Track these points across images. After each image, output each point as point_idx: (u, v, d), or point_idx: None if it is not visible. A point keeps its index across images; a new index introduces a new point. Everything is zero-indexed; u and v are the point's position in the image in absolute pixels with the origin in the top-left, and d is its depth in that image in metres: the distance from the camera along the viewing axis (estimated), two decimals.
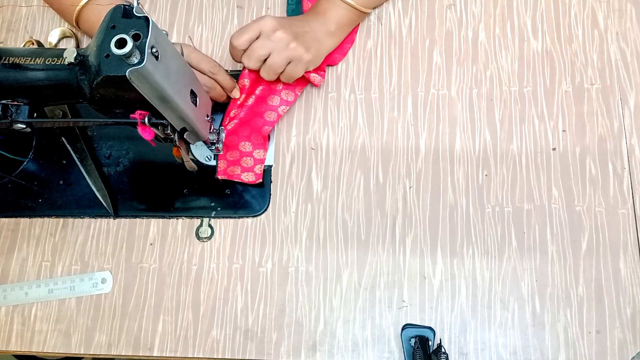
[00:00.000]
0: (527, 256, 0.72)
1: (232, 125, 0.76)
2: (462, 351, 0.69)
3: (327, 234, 0.75)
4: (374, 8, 0.82)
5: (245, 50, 0.73)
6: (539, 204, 0.73)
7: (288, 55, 0.72)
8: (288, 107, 0.78)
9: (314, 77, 0.78)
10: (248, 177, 0.76)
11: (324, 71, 0.80)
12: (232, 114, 0.77)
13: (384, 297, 0.72)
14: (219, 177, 0.76)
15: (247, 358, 0.71)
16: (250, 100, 0.76)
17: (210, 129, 0.72)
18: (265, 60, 0.72)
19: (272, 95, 0.78)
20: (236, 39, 0.72)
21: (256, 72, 0.75)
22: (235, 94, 0.76)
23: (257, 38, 0.72)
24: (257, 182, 0.76)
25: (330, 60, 0.80)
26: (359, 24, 0.82)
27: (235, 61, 0.75)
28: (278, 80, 0.76)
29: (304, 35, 0.74)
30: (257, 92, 0.77)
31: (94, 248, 0.77)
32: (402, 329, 0.69)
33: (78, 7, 0.78)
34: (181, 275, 0.75)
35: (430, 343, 0.68)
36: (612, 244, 0.71)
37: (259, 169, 0.77)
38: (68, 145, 0.81)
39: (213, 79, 0.74)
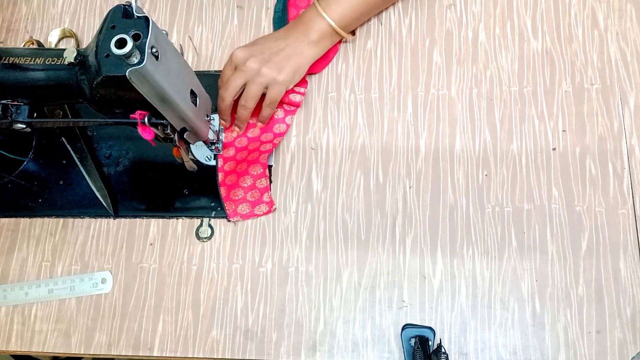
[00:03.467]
0: (527, 256, 0.72)
1: (229, 166, 0.76)
2: (462, 351, 0.69)
3: (327, 234, 0.75)
4: (354, 30, 0.81)
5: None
6: (539, 204, 0.73)
7: (261, 81, 0.73)
8: (282, 137, 0.78)
9: (293, 97, 0.78)
10: (261, 210, 0.75)
11: (306, 83, 0.80)
12: (227, 154, 0.77)
13: (384, 297, 0.72)
14: (232, 219, 0.76)
15: (247, 358, 0.71)
16: (244, 142, 0.78)
17: (210, 129, 0.72)
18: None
19: (265, 133, 0.78)
20: (220, 82, 0.76)
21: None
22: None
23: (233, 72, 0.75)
24: (272, 209, 0.75)
25: (312, 69, 0.79)
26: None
27: (223, 104, 0.76)
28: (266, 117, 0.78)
29: (277, 55, 0.74)
30: (248, 134, 0.78)
31: (94, 248, 0.77)
32: (402, 329, 0.69)
33: None
34: (181, 275, 0.75)
35: (430, 343, 0.68)
36: (612, 244, 0.71)
37: (267, 197, 0.76)
38: (68, 145, 0.81)
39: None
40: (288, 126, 0.78)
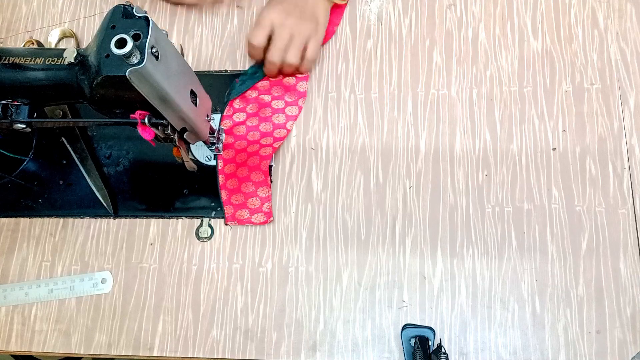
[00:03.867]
0: (527, 256, 0.72)
1: (229, 168, 0.76)
2: (462, 351, 0.69)
3: (327, 234, 0.75)
4: None
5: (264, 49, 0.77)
6: (539, 204, 0.73)
7: (302, 39, 0.76)
8: (281, 142, 0.78)
9: (301, 85, 0.80)
10: (258, 219, 0.75)
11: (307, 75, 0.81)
12: (227, 155, 0.78)
13: (384, 297, 0.72)
14: (229, 224, 0.76)
15: (247, 358, 0.71)
16: (244, 145, 0.78)
17: (210, 129, 0.72)
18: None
19: (265, 137, 0.78)
20: (254, 38, 0.76)
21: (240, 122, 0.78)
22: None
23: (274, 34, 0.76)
24: (269, 221, 0.75)
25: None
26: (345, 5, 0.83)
27: (255, 59, 0.79)
28: (267, 119, 0.79)
29: (307, 10, 0.77)
30: (249, 137, 0.78)
31: (94, 248, 0.77)
32: (402, 329, 0.69)
33: None
34: (181, 275, 0.75)
35: (430, 343, 0.68)
36: (612, 244, 0.71)
37: (267, 207, 0.75)
38: (68, 145, 0.81)
39: None
40: (288, 131, 0.79)
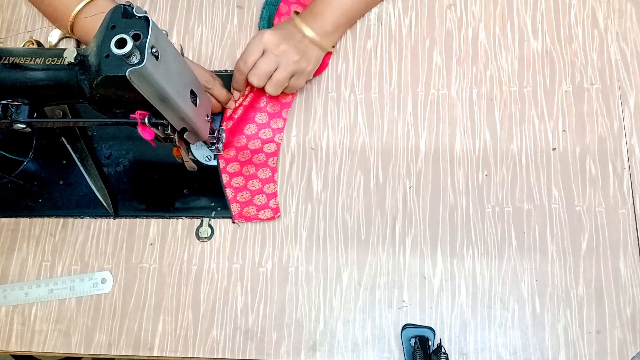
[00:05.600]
0: (527, 256, 0.72)
1: (232, 167, 0.76)
2: (462, 351, 0.69)
3: (327, 234, 0.75)
4: (335, 43, 0.81)
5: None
6: (539, 204, 0.73)
7: (292, 69, 0.73)
8: (282, 134, 0.78)
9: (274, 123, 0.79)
10: (265, 215, 0.75)
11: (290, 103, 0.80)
12: (228, 155, 0.77)
13: (384, 297, 0.72)
14: (236, 221, 0.75)
15: (247, 358, 0.71)
16: (242, 142, 0.77)
17: (210, 129, 0.72)
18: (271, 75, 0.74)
19: (263, 129, 0.78)
20: (244, 63, 0.73)
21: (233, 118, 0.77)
22: (230, 105, 0.77)
23: (262, 55, 0.73)
24: (276, 216, 0.75)
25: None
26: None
27: (238, 85, 0.76)
28: (262, 109, 0.78)
29: (301, 43, 0.74)
30: (245, 130, 0.78)
31: (94, 248, 0.77)
32: (402, 329, 0.69)
33: (73, 13, 0.76)
34: (181, 275, 0.75)
35: (430, 343, 0.68)
36: (612, 244, 0.71)
37: (273, 203, 0.75)
38: (68, 145, 0.81)
39: (208, 92, 0.75)
40: (285, 120, 0.78)
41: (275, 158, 0.77)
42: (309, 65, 0.75)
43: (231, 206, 0.75)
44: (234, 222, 0.76)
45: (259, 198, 0.76)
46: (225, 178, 0.76)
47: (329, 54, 0.80)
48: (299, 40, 0.74)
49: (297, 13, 0.77)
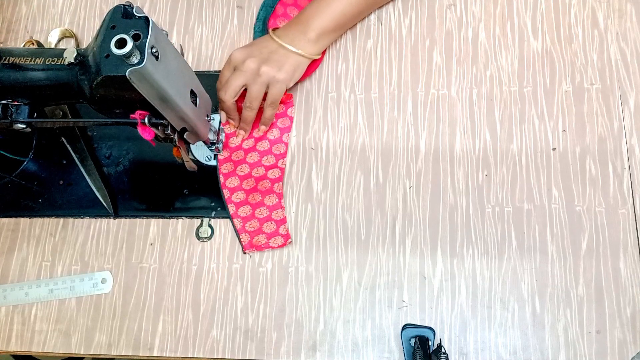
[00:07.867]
0: (527, 256, 0.72)
1: (238, 197, 0.76)
2: (462, 351, 0.69)
3: (327, 234, 0.75)
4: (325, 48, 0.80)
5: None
6: (539, 204, 0.73)
7: (262, 80, 0.73)
8: (285, 159, 0.77)
9: (288, 109, 0.79)
10: (276, 242, 0.74)
11: (291, 99, 0.80)
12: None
13: (384, 297, 0.72)
14: (247, 252, 0.74)
15: (247, 358, 0.71)
16: (245, 170, 0.77)
17: (210, 129, 0.72)
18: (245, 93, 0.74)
19: (265, 156, 0.77)
20: (219, 85, 0.75)
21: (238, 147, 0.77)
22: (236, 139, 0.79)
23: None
24: (288, 243, 0.74)
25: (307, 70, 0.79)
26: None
27: (230, 113, 0.77)
28: (263, 138, 0.78)
29: (276, 54, 0.74)
30: (247, 159, 0.77)
31: (94, 248, 0.77)
32: (402, 329, 0.69)
33: None
34: (181, 275, 0.75)
35: (430, 343, 0.68)
36: (612, 244, 0.71)
37: (283, 230, 0.74)
38: (68, 145, 0.81)
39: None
40: (286, 145, 0.78)
41: (281, 183, 0.76)
42: (279, 73, 0.74)
43: (240, 236, 0.74)
44: (244, 253, 0.75)
45: (268, 226, 0.74)
46: (231, 209, 0.75)
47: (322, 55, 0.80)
48: (271, 51, 0.75)
49: (274, 30, 0.78)
